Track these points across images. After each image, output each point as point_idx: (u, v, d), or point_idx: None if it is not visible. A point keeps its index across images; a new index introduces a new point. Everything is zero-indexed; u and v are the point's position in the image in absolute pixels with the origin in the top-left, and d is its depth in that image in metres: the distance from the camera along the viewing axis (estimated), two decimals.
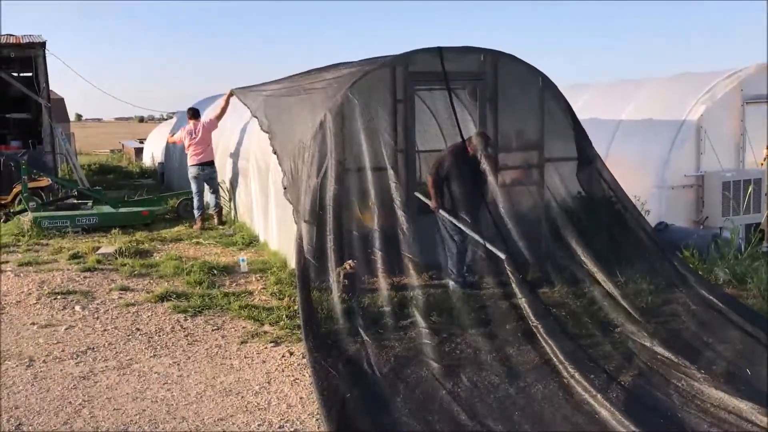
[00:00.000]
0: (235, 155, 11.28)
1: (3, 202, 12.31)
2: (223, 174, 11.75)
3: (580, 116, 8.76)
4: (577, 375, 4.79)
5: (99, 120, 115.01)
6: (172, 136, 13.26)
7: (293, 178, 7.16)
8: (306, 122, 7.19)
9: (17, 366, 5.27)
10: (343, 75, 7.67)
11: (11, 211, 11.62)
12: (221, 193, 11.49)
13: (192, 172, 11.14)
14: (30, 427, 4.27)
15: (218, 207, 11.30)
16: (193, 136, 11.09)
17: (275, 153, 7.94)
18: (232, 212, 11.32)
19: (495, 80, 7.93)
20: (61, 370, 5.21)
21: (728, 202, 8.94)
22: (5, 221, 11.16)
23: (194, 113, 11.54)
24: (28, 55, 15.34)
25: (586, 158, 7.80)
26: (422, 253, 7.63)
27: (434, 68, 7.56)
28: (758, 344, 5.56)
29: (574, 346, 5.34)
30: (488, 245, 6.74)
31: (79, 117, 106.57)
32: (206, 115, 12.07)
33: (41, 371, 5.18)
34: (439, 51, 7.23)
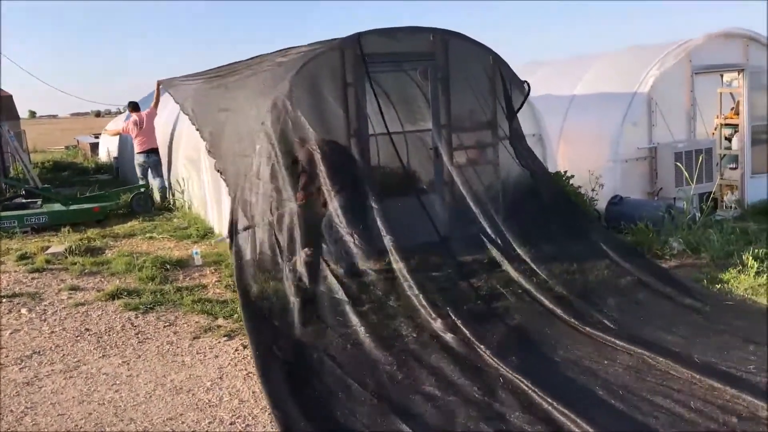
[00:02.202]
0: (186, 147, 11.07)
1: None
2: (177, 165, 11.60)
3: (535, 93, 8.75)
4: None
5: (54, 116, 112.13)
6: (111, 129, 14.11)
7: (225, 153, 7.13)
8: (250, 110, 7.02)
9: None
10: (290, 59, 7.52)
11: None
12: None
13: (139, 159, 12.33)
14: None
15: (163, 188, 12.25)
16: (140, 126, 12.15)
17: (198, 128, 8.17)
18: (186, 205, 11.12)
19: (446, 60, 7.85)
20: (4, 377, 5.01)
21: (681, 173, 9.01)
22: None
23: (135, 106, 12.63)
24: None
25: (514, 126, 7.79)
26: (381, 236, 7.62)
27: (385, 50, 7.47)
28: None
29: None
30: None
31: (33, 114, 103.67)
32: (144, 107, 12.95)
33: None
34: (358, 36, 7.12)
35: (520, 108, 7.81)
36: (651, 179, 9.54)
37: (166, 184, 12.32)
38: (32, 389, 4.79)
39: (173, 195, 11.79)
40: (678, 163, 9.12)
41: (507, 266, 6.85)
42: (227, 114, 7.69)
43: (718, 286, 6.32)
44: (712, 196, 8.95)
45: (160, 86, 12.01)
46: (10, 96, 26.97)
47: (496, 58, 7.86)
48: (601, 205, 8.83)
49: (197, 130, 8.13)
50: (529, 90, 7.89)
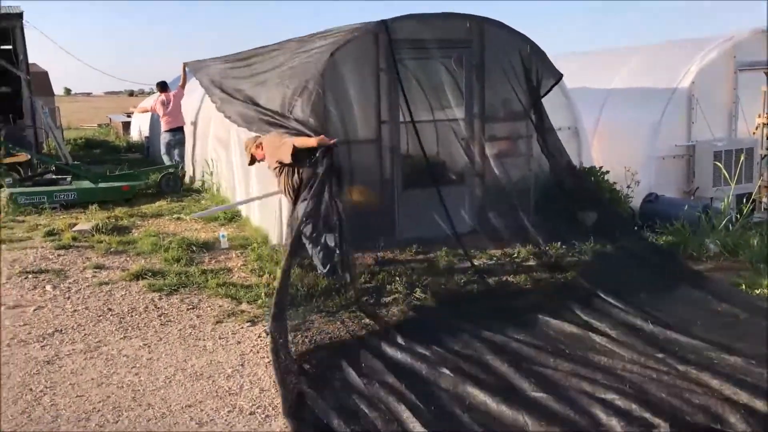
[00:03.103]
0: (216, 127, 11.03)
1: None
2: (206, 146, 11.58)
3: (569, 85, 8.55)
4: None
5: (89, 94, 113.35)
6: (140, 107, 15.44)
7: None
8: (281, 94, 6.89)
9: None
10: (322, 43, 7.38)
11: None
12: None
13: (165, 137, 12.77)
14: None
15: (183, 171, 12.47)
16: (167, 106, 12.57)
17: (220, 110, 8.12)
18: (214, 186, 11.09)
19: (481, 48, 7.68)
20: (25, 354, 4.99)
21: (719, 172, 8.73)
22: None
23: (163, 86, 12.86)
24: (5, 27, 14.93)
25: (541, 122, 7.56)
26: (409, 226, 7.50)
27: (419, 35, 7.31)
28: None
29: None
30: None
31: (68, 91, 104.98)
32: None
33: (4, 356, 4.95)
34: (384, 23, 6.97)
35: (548, 92, 7.60)
36: (688, 178, 9.28)
37: (184, 164, 12.73)
38: (52, 368, 4.75)
39: (202, 176, 11.79)
40: (717, 162, 8.84)
41: (533, 261, 6.75)
42: (257, 94, 7.58)
43: (758, 292, 6.09)
44: (752, 197, 8.65)
45: (186, 68, 12.14)
46: (46, 73, 27.23)
47: (534, 47, 7.66)
48: (636, 202, 8.60)
49: (219, 111, 8.07)
50: (561, 76, 7.70)
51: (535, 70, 7.59)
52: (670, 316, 5.41)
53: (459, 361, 4.63)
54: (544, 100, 7.62)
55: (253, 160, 6.52)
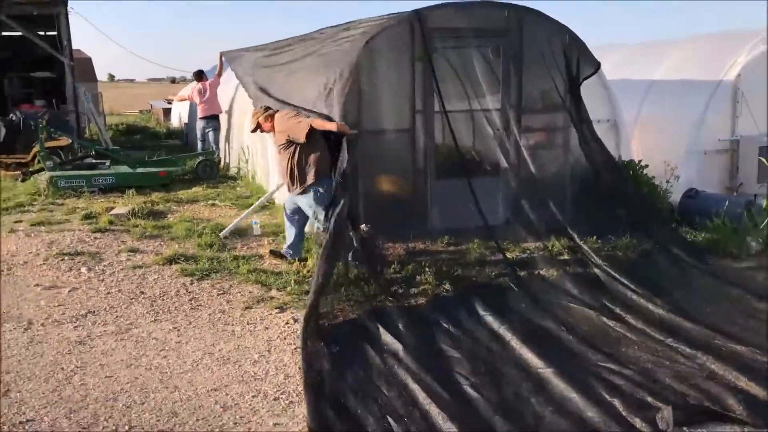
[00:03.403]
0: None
1: (22, 161, 12.28)
2: (241, 135, 11.65)
3: (609, 77, 8.37)
4: None
5: (132, 81, 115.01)
6: (179, 95, 14.95)
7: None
8: (314, 83, 6.88)
9: (15, 329, 5.16)
10: (358, 31, 7.34)
11: (29, 170, 11.57)
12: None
13: (200, 124, 13.22)
14: (18, 394, 4.14)
15: (218, 158, 12.77)
16: (203, 94, 12.87)
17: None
18: (249, 174, 11.17)
19: (519, 37, 7.55)
20: (58, 334, 5.08)
21: (765, 168, 8.46)
22: (23, 180, 11.11)
23: (200, 75, 13.13)
24: (51, 13, 15.20)
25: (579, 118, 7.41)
26: (441, 217, 7.44)
27: (454, 24, 7.22)
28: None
29: None
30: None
31: (111, 77, 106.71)
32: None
33: (38, 335, 5.06)
34: (418, 12, 6.88)
35: (585, 79, 7.45)
36: (731, 174, 9.02)
37: (218, 151, 13.01)
38: (84, 348, 4.83)
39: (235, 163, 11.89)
40: (762, 158, 8.58)
41: (567, 255, 6.64)
42: (289, 83, 7.58)
43: None
44: None
45: (223, 58, 12.25)
46: (89, 59, 27.67)
47: (573, 36, 7.51)
48: (676, 197, 8.39)
49: (254, 105, 8.09)
50: (599, 64, 7.53)
51: (575, 61, 7.45)
52: (704, 313, 5.31)
53: (477, 344, 4.75)
54: (583, 93, 7.48)
55: (256, 129, 6.58)
